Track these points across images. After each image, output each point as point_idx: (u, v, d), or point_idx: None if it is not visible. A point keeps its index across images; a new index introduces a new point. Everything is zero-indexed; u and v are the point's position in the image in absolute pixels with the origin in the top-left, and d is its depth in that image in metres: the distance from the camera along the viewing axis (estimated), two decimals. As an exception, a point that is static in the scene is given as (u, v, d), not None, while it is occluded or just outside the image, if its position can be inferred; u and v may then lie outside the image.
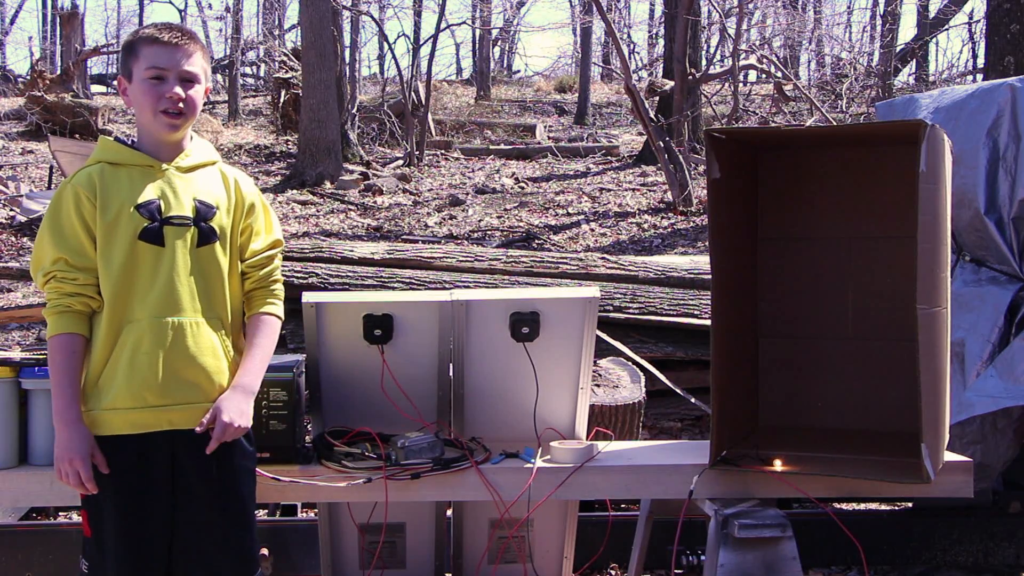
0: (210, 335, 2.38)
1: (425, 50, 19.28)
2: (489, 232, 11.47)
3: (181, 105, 2.34)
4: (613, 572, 3.85)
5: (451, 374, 3.02)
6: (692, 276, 5.67)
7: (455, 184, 14.49)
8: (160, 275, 2.32)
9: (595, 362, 4.22)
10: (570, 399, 3.06)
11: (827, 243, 3.29)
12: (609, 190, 13.79)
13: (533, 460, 2.83)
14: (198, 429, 2.34)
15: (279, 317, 2.55)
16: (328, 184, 14.04)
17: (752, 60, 14.71)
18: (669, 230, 11.37)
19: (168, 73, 2.34)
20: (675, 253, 9.97)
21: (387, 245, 5.99)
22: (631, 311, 5.30)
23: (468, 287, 5.20)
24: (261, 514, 4.30)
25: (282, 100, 17.91)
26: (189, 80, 2.36)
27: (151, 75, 2.33)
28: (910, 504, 4.11)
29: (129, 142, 2.41)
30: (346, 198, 13.35)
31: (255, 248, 2.53)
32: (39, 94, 17.15)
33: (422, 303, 2.96)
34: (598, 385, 4.11)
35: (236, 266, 2.48)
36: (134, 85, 2.37)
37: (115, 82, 2.35)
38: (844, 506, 4.30)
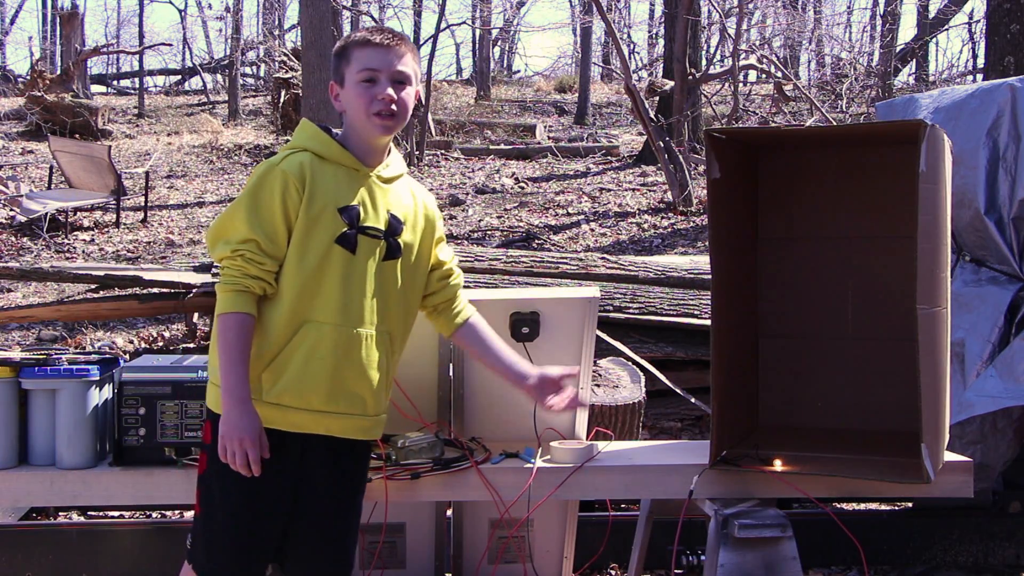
0: (380, 349, 2.37)
1: (425, 50, 19.29)
2: (489, 232, 11.47)
3: (393, 107, 2.33)
4: (613, 572, 3.85)
5: (451, 374, 3.02)
6: (692, 276, 5.67)
7: (455, 184, 14.49)
8: (347, 282, 2.30)
9: (595, 362, 4.22)
10: (570, 399, 3.06)
11: (827, 243, 3.29)
12: (609, 190, 13.78)
13: (533, 460, 2.83)
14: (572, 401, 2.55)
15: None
16: (328, 184, 14.02)
17: (752, 60, 14.70)
18: (669, 230, 11.37)
19: (380, 75, 2.32)
20: (675, 253, 9.97)
21: (387, 245, 5.98)
22: (631, 311, 5.30)
23: (468, 287, 5.19)
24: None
25: (282, 100, 17.90)
26: (401, 82, 2.35)
27: (364, 77, 2.32)
28: (910, 504, 4.11)
29: (337, 136, 2.38)
30: (346, 198, 13.33)
31: (443, 259, 2.58)
32: (39, 94, 17.16)
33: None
34: (598, 385, 4.11)
35: (414, 284, 2.48)
36: (347, 89, 2.35)
37: (329, 87, 2.36)
38: (844, 506, 4.30)
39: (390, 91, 2.32)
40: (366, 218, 2.34)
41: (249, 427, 2.21)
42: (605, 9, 14.55)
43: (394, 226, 2.39)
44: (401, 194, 2.45)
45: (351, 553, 2.46)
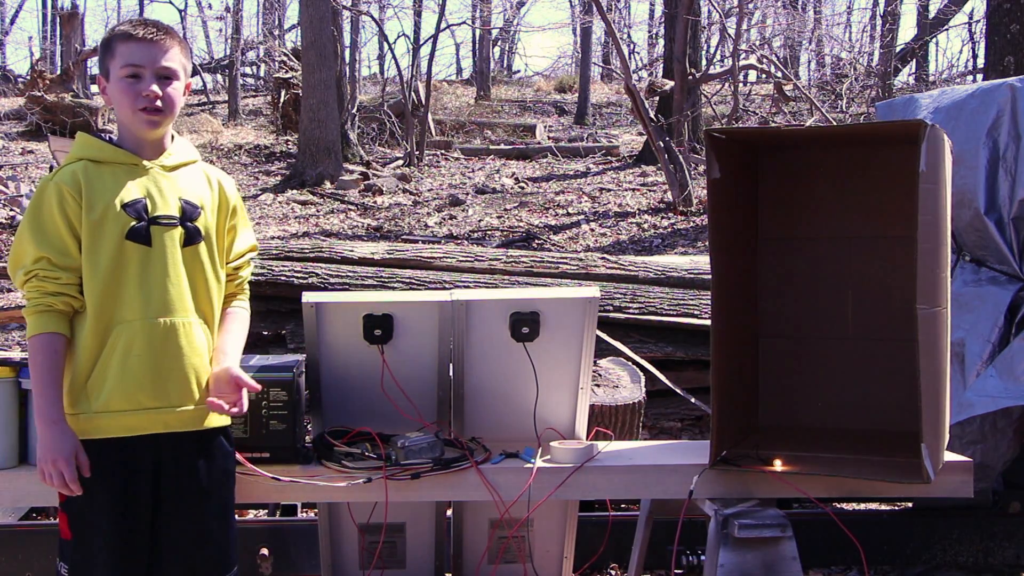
0: (200, 335, 2.37)
1: (425, 50, 19.32)
2: (489, 232, 11.47)
3: (159, 103, 2.29)
4: (613, 572, 3.85)
5: (451, 374, 3.02)
6: (692, 276, 5.67)
7: (455, 184, 14.50)
8: (149, 275, 2.29)
9: (595, 362, 4.22)
10: (570, 399, 3.06)
11: (827, 243, 3.29)
12: (609, 190, 13.79)
13: (533, 460, 2.83)
14: (234, 410, 2.36)
15: (248, 311, 2.59)
16: (328, 184, 14.05)
17: (752, 60, 14.71)
18: (669, 230, 11.38)
19: (144, 70, 2.29)
20: (675, 253, 9.97)
21: (387, 245, 6.00)
22: (631, 311, 5.30)
23: (468, 287, 5.20)
24: (261, 514, 4.30)
25: (282, 100, 17.92)
26: (167, 77, 2.31)
27: (127, 73, 2.29)
28: (910, 504, 4.11)
29: (108, 139, 2.37)
30: (346, 198, 13.36)
31: (239, 251, 2.54)
32: (39, 94, 17.16)
33: (422, 303, 2.96)
34: (598, 385, 4.11)
35: (220, 266, 2.46)
36: (112, 84, 2.32)
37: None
38: (844, 506, 4.30)
39: (155, 87, 2.28)
40: (155, 208, 2.32)
41: (63, 447, 2.21)
42: (605, 9, 14.55)
43: (189, 212, 2.36)
44: (193, 180, 2.42)
45: (228, 550, 2.44)
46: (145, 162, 2.35)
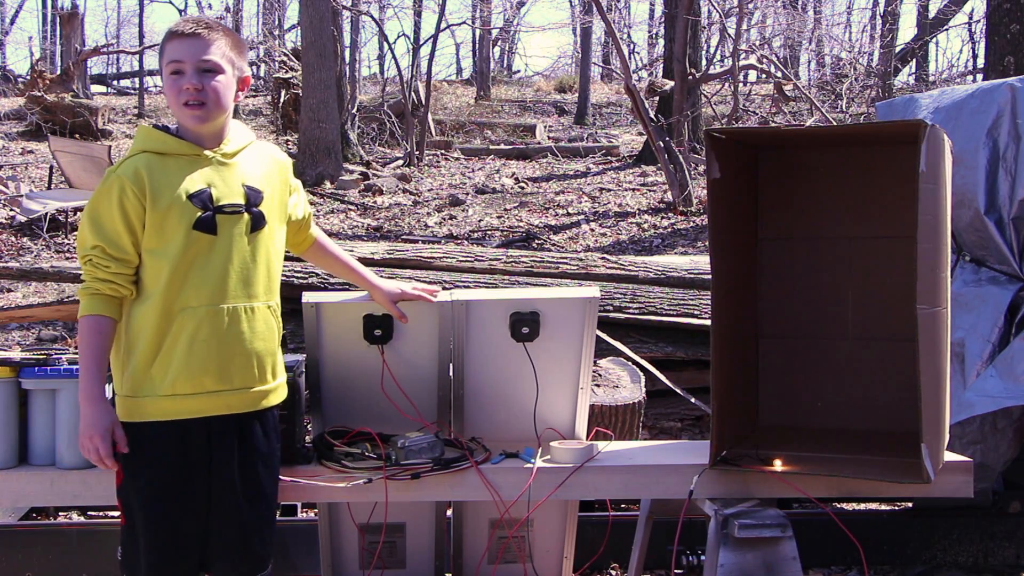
0: (265, 318, 2.46)
1: (425, 50, 19.31)
2: (489, 232, 11.47)
3: (201, 96, 2.33)
4: (613, 572, 3.85)
5: (451, 374, 3.02)
6: (692, 276, 5.67)
7: (455, 184, 14.49)
8: (214, 263, 2.35)
9: (595, 362, 4.22)
10: (570, 399, 3.06)
11: (827, 243, 3.29)
12: (609, 190, 13.78)
13: (533, 460, 2.83)
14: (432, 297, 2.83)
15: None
16: (328, 184, 14.04)
17: (752, 60, 14.70)
18: (669, 230, 11.37)
19: (186, 66, 2.34)
20: (675, 253, 9.97)
21: (387, 245, 6.00)
22: (631, 311, 5.30)
23: (468, 287, 5.20)
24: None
25: (282, 100, 17.91)
26: (209, 71, 2.34)
27: (172, 69, 2.36)
28: (910, 504, 4.11)
29: (173, 130, 2.41)
30: (346, 198, 13.35)
31: (299, 215, 2.68)
32: (39, 94, 17.16)
33: (422, 303, 2.96)
34: (598, 385, 4.11)
35: (282, 246, 2.56)
36: (164, 81, 2.39)
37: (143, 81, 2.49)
38: (844, 506, 4.30)
39: (194, 81, 2.32)
40: (220, 197, 2.37)
41: (99, 423, 2.30)
42: (605, 9, 14.55)
43: (252, 197, 2.43)
44: (252, 163, 2.47)
45: (270, 540, 2.51)
46: (206, 152, 2.39)
